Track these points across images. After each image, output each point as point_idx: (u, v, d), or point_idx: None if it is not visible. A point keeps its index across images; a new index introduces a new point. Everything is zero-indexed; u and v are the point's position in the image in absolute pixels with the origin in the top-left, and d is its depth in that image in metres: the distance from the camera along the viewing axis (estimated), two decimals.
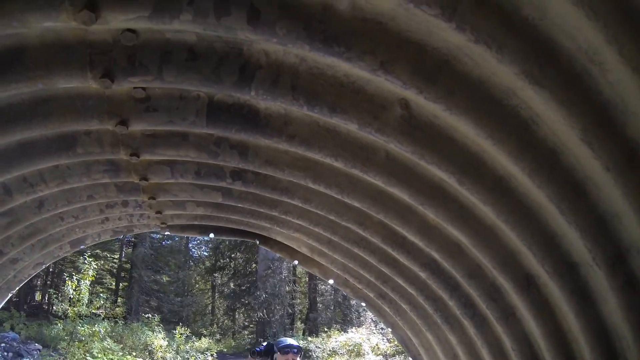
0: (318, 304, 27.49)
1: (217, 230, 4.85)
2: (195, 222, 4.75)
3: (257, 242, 4.92)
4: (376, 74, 2.05)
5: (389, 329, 14.77)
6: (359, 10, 1.89)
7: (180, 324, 18.08)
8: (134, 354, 12.89)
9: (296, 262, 5.04)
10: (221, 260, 33.38)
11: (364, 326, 21.56)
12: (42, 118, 2.68)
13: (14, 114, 2.63)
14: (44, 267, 5.05)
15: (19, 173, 3.23)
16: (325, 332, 22.16)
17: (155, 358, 13.35)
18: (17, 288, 5.02)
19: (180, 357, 13.79)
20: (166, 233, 5.00)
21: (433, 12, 1.72)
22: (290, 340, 4.53)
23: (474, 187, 2.60)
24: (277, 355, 4.34)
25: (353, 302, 24.60)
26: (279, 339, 4.66)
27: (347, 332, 20.76)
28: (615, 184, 2.00)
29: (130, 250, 28.95)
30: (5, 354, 10.49)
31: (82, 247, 5.09)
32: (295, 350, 4.32)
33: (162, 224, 4.70)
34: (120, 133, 2.88)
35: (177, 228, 4.90)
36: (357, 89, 2.31)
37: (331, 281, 5.02)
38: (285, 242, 4.73)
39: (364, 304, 5.04)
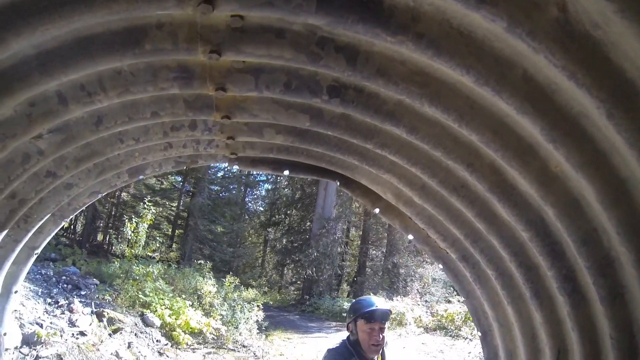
0: (367, 269, 27.83)
1: (294, 166, 4.41)
2: (270, 155, 4.32)
3: (337, 184, 4.52)
4: None
5: (437, 302, 14.47)
6: None
7: (230, 273, 18.46)
8: (184, 296, 13.25)
9: (377, 210, 4.63)
10: (276, 216, 34.31)
11: (409, 296, 21.43)
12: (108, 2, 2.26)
13: None
14: (99, 196, 4.81)
15: (76, 76, 2.86)
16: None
17: (203, 302, 13.70)
18: (71, 217, 4.86)
19: (227, 304, 14.06)
20: (234, 167, 4.59)
21: None
22: (377, 301, 3.43)
23: (623, 123, 2.11)
24: (363, 325, 3.34)
25: (402, 270, 24.55)
26: (362, 300, 3.60)
27: (392, 300, 20.53)
28: None
29: (188, 199, 30.28)
30: (65, 285, 11.10)
31: (141, 177, 4.79)
32: (386, 316, 3.36)
33: (231, 154, 4.30)
34: (201, 21, 2.46)
35: (248, 162, 4.49)
36: None
37: (410, 236, 4.61)
38: (369, 186, 4.32)
39: (440, 266, 4.61)
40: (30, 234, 4.19)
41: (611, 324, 2.81)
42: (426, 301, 19.47)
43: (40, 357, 7.32)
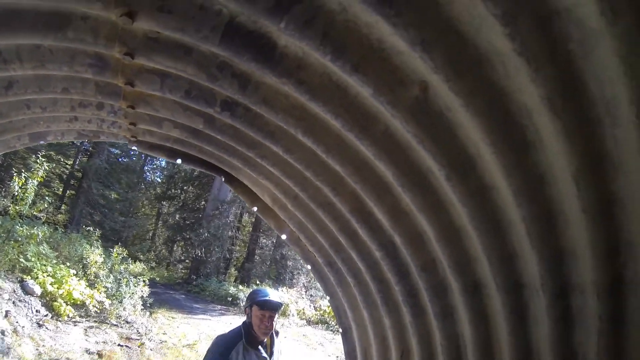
0: (256, 256, 27.93)
1: (186, 157, 4.71)
2: (167, 144, 4.58)
3: (223, 179, 4.85)
4: (414, 48, 2.03)
5: (320, 298, 15.05)
6: None
7: (119, 244, 17.91)
8: (68, 264, 12.63)
9: (255, 208, 5.00)
10: (173, 190, 33.43)
11: (295, 289, 21.99)
12: None
13: None
14: None
15: None
16: (257, 284, 22.47)
17: (88, 272, 13.18)
18: None
19: (113, 276, 13.70)
20: (133, 148, 4.78)
21: (495, 11, 1.73)
22: (270, 293, 3.85)
23: (458, 186, 2.64)
24: (256, 311, 3.70)
25: (290, 263, 25.09)
26: (257, 290, 3.98)
27: (278, 290, 21.04)
28: (586, 227, 2.13)
29: (85, 159, 28.34)
30: None
31: (41, 142, 4.81)
32: (276, 306, 3.75)
33: (132, 137, 4.52)
34: (122, 26, 2.70)
35: (146, 145, 4.71)
36: (385, 57, 2.29)
37: (284, 236, 5.01)
38: (250, 187, 4.68)
39: (308, 267, 5.07)
40: None
41: (442, 334, 3.40)
42: (311, 295, 20.04)
43: None
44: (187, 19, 2.52)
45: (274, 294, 3.86)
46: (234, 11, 2.46)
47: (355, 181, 3.29)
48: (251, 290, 4.25)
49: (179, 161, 4.74)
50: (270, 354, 3.82)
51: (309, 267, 5.10)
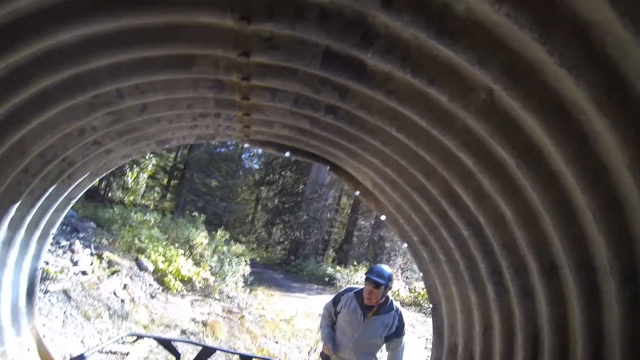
0: (354, 237, 28.24)
1: (294, 150, 5.32)
2: (276, 141, 5.26)
3: (328, 168, 5.43)
4: (473, 66, 2.48)
5: (415, 280, 15.33)
6: (472, 14, 2.31)
7: (222, 227, 19.25)
8: (176, 245, 14.04)
9: (357, 192, 5.56)
10: (271, 175, 34.58)
11: (391, 270, 22.09)
12: (172, 41, 3.16)
13: (147, 36, 3.07)
14: (129, 159, 5.65)
15: (135, 82, 3.73)
16: (354, 265, 22.94)
17: (194, 252, 14.48)
18: (104, 174, 5.67)
19: (217, 256, 14.93)
20: (245, 145, 5.54)
21: (532, 35, 2.10)
22: (383, 269, 4.90)
23: (528, 173, 2.98)
24: (365, 282, 4.80)
25: (387, 244, 25.21)
26: (373, 267, 5.02)
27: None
28: None
29: (186, 152, 30.43)
30: (64, 227, 11.67)
31: (166, 146, 5.64)
32: (375, 285, 4.69)
33: (244, 136, 5.22)
34: (240, 62, 3.34)
35: (257, 142, 5.42)
36: (454, 71, 2.75)
37: (383, 216, 5.55)
38: (352, 174, 5.24)
39: (405, 245, 5.58)
40: (71, 188, 5.05)
41: (521, 313, 3.64)
42: (407, 277, 20.05)
43: (49, 291, 8.21)
44: (292, 52, 3.13)
45: (379, 273, 4.81)
46: (327, 44, 3.03)
47: (442, 168, 3.74)
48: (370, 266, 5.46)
49: (287, 154, 5.36)
50: (372, 316, 4.84)
51: (405, 245, 5.53)
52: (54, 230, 5.36)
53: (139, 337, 4.30)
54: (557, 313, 3.22)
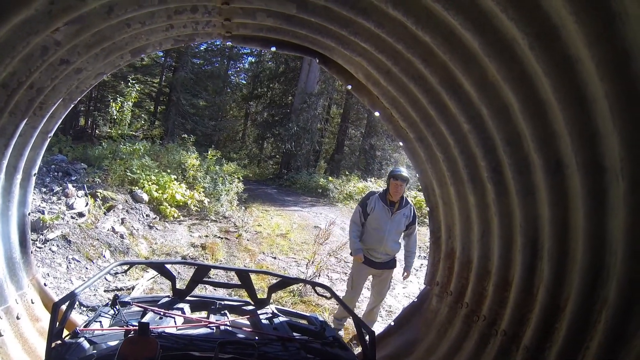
0: (345, 147, 28.58)
1: (280, 44, 4.99)
2: (260, 34, 4.87)
3: (317, 61, 5.12)
4: None
5: (410, 189, 15.39)
6: None
7: (212, 146, 19.20)
8: (168, 171, 14.09)
9: (349, 86, 5.32)
10: (258, 89, 34.27)
11: (382, 179, 22.38)
12: None
13: None
14: (104, 77, 5.19)
15: None
16: (346, 175, 23.34)
17: (187, 176, 14.60)
18: (79, 98, 5.21)
19: (210, 177, 14.97)
20: (227, 43, 5.09)
21: None
22: (402, 170, 6.12)
23: (541, 56, 2.72)
24: (390, 181, 6.04)
25: (378, 153, 25.45)
26: (395, 168, 6.31)
27: (366, 180, 21.66)
28: None
29: (170, 74, 30.26)
30: (56, 173, 11.63)
31: (142, 55, 5.20)
32: (403, 178, 5.97)
33: (226, 32, 4.84)
34: None
35: (240, 38, 5.03)
36: None
37: (377, 113, 5.35)
38: (344, 65, 4.95)
39: (400, 143, 5.35)
40: (44, 120, 4.63)
41: (522, 214, 3.57)
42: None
43: (49, 240, 8.20)
44: None
45: (403, 170, 6.11)
46: None
47: (444, 51, 3.48)
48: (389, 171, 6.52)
49: (273, 49, 5.04)
50: (396, 210, 6.04)
51: (400, 143, 5.40)
52: (35, 171, 5.00)
53: (130, 264, 4.08)
54: (559, 215, 3.13)
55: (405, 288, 9.09)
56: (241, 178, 15.97)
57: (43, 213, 8.78)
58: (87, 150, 15.22)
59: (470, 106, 3.74)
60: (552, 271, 3.19)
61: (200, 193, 13.72)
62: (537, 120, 3.09)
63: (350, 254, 6.28)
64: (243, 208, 15.19)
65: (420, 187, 11.29)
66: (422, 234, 12.80)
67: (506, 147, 3.53)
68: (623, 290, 2.48)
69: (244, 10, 4.34)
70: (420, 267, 10.02)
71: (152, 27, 4.46)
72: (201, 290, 6.74)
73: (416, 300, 5.59)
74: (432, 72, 3.80)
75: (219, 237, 11.81)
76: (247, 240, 11.95)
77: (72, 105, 5.16)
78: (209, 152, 16.56)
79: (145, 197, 12.19)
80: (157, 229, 11.24)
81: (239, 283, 3.75)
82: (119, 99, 14.64)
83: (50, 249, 8.04)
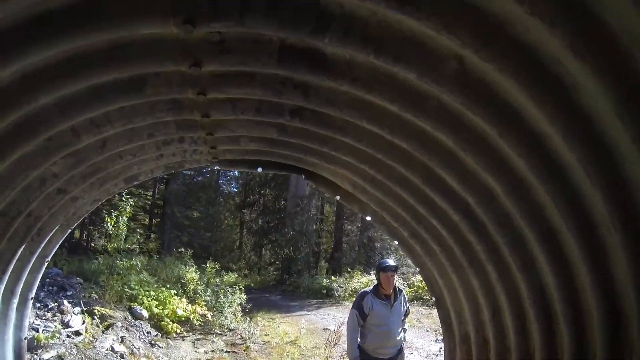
0: (343, 244, 28.19)
1: (266, 164, 5.14)
2: (246, 157, 5.05)
3: (303, 177, 5.24)
4: (440, 33, 2.30)
5: (412, 274, 15.22)
6: None
7: (210, 258, 18.99)
8: (168, 285, 13.64)
9: (338, 197, 5.40)
10: (251, 197, 34.45)
11: None
12: (119, 63, 2.90)
13: (92, 60, 2.83)
14: (99, 203, 5.37)
15: (88, 116, 3.48)
16: (348, 272, 22.88)
17: (187, 290, 14.12)
18: (76, 224, 5.38)
19: (211, 289, 14.64)
20: (213, 168, 5.33)
21: None
22: (390, 261, 5.86)
23: (512, 141, 2.85)
24: (380, 274, 5.70)
25: (377, 244, 25.21)
26: (382, 261, 6.04)
27: (370, 273, 21.39)
28: None
29: (163, 187, 30.26)
30: (51, 288, 11.22)
31: (135, 182, 5.39)
32: (393, 268, 5.68)
33: (213, 158, 5.01)
34: (192, 74, 3.11)
35: (227, 163, 5.22)
36: (419, 43, 2.56)
37: (368, 217, 5.41)
38: (330, 178, 5.06)
39: (396, 243, 5.42)
40: (42, 245, 4.71)
41: (527, 286, 3.55)
42: (403, 273, 20.05)
43: None
44: (245, 53, 2.92)
45: (390, 261, 5.79)
46: (281, 37, 2.82)
47: (422, 154, 3.58)
48: (377, 263, 6.30)
49: (259, 169, 5.20)
50: (393, 302, 5.68)
51: (396, 242, 5.45)
52: (32, 295, 4.98)
53: None
54: (564, 279, 3.14)
55: None
56: (243, 288, 15.63)
57: (37, 331, 8.23)
58: (82, 264, 14.66)
59: (456, 197, 3.79)
60: (572, 332, 3.15)
61: (202, 307, 13.19)
62: (522, 198, 3.17)
63: None
64: (248, 319, 14.54)
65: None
66: (434, 315, 12.49)
67: (498, 228, 3.57)
68: None
69: (228, 138, 4.47)
70: (440, 351, 9.68)
71: (143, 158, 4.61)
72: None
73: None
74: (414, 173, 3.87)
75: (226, 351, 11.26)
76: (256, 351, 11.44)
77: (70, 230, 5.23)
78: (208, 265, 16.11)
79: (145, 314, 11.65)
80: (159, 346, 10.67)
81: None
82: (113, 214, 14.54)
83: None
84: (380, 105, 3.24)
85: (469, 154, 3.23)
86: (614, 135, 2.28)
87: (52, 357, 7.92)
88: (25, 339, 4.91)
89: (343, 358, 9.64)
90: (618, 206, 2.42)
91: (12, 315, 4.67)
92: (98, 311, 10.46)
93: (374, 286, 5.88)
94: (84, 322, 9.62)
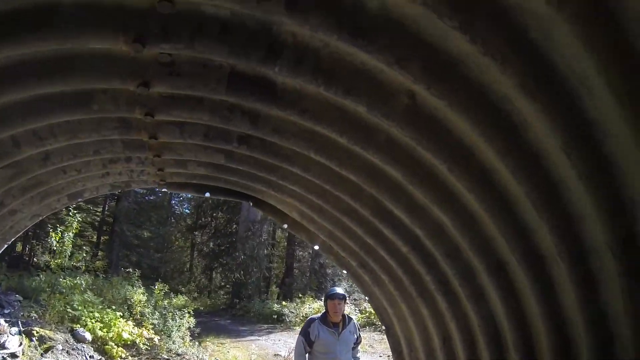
0: (295, 270, 27.95)
1: (214, 190, 5.02)
2: (194, 181, 4.92)
3: (251, 204, 5.16)
4: (391, 67, 2.27)
5: (364, 300, 15.18)
6: (386, 10, 2.11)
7: (159, 280, 18.39)
8: (114, 307, 12.90)
9: (285, 225, 5.32)
10: (202, 219, 33.78)
11: None
12: (64, 75, 2.81)
13: (36, 69, 2.73)
14: (40, 219, 5.13)
15: (31, 127, 3.33)
16: (300, 297, 22.62)
17: (134, 312, 13.53)
18: (13, 239, 5.11)
19: (158, 312, 14.07)
20: (163, 190, 5.15)
21: (452, 24, 1.92)
22: (337, 289, 5.85)
23: (462, 176, 2.86)
24: (328, 302, 5.54)
25: (329, 271, 25.09)
26: (330, 289, 6.05)
27: (320, 299, 21.17)
28: (586, 191, 2.20)
29: (113, 203, 29.01)
30: None
31: (79, 199, 5.20)
32: (340, 296, 5.53)
33: (160, 181, 4.86)
34: (141, 94, 3.01)
35: (175, 185, 5.08)
36: (371, 77, 2.53)
37: (317, 247, 5.32)
38: (277, 206, 4.96)
39: (344, 272, 5.34)
40: None
41: (477, 316, 3.55)
42: (355, 299, 19.96)
43: None
44: (195, 77, 2.84)
45: (339, 290, 5.76)
46: (232, 64, 2.75)
47: (370, 186, 3.54)
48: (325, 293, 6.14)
49: (207, 194, 5.08)
50: (341, 330, 5.50)
51: (344, 272, 5.38)
52: None
53: None
54: (513, 309, 3.16)
55: None
56: (192, 312, 15.11)
57: None
58: (23, 280, 13.83)
59: (405, 230, 3.76)
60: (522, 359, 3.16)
61: (149, 330, 12.57)
62: (471, 231, 3.18)
63: None
64: (197, 343, 14.07)
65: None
66: (386, 341, 12.43)
67: (447, 259, 3.55)
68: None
69: (175, 161, 4.36)
70: None
71: (88, 174, 4.44)
72: None
73: None
74: (363, 205, 3.82)
75: None
76: None
77: (6, 246, 4.97)
78: (156, 286, 15.61)
79: (89, 337, 10.96)
80: None
81: None
82: (59, 229, 13.83)
83: None
84: (329, 137, 3.19)
85: (418, 187, 3.21)
86: (561, 171, 2.33)
87: None
88: None
89: None
90: (564, 238, 2.47)
91: None
92: (37, 332, 9.82)
93: (322, 314, 5.71)
94: (21, 343, 9.04)
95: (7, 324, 9.36)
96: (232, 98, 2.99)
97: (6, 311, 10.47)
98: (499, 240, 3.00)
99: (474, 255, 3.27)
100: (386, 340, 13.46)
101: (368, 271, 4.81)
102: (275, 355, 13.44)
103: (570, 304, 2.64)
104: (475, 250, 3.24)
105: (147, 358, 11.88)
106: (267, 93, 2.88)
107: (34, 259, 22.69)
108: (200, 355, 12.81)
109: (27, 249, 25.81)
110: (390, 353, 11.47)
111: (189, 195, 36.76)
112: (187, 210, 38.87)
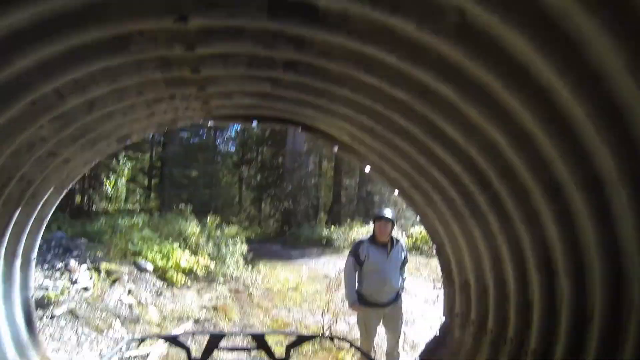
0: (342, 197, 28.23)
1: (261, 118, 4.98)
2: (240, 112, 4.89)
3: (300, 130, 5.10)
4: None
5: (410, 225, 15.33)
6: None
7: (211, 213, 19.00)
8: (170, 240, 13.58)
9: (336, 148, 5.28)
10: (248, 155, 34.18)
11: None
12: (99, 20, 2.76)
13: (70, 18, 2.70)
14: (93, 164, 5.27)
15: (72, 77, 3.32)
16: (348, 223, 22.98)
17: (189, 243, 14.14)
18: (70, 185, 5.26)
19: (212, 241, 14.70)
20: (209, 123, 5.15)
21: None
22: (385, 211, 5.85)
23: (517, 93, 2.75)
24: (376, 223, 5.77)
25: (376, 197, 25.29)
26: (378, 209, 6.03)
27: (369, 224, 21.45)
28: None
29: (160, 149, 30.10)
30: (56, 250, 11.06)
31: (128, 142, 5.25)
32: (387, 218, 5.67)
33: (206, 114, 4.86)
34: (179, 29, 2.96)
35: (221, 117, 5.06)
36: None
37: (368, 168, 5.30)
38: (327, 130, 4.93)
39: (396, 192, 5.34)
40: (39, 207, 4.65)
41: (529, 239, 3.52)
42: (401, 225, 20.24)
43: (56, 315, 7.86)
44: (233, 6, 2.76)
45: (386, 211, 5.81)
46: None
47: (422, 105, 3.47)
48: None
49: (254, 123, 5.06)
50: (390, 250, 5.67)
51: (396, 192, 5.38)
52: (34, 255, 4.99)
53: (141, 340, 3.90)
54: (567, 234, 3.08)
55: (426, 321, 8.89)
56: (244, 239, 15.68)
57: (47, 290, 8.35)
58: (86, 226, 14.71)
59: (458, 148, 3.69)
60: (572, 284, 3.13)
61: (205, 258, 13.20)
62: (527, 150, 3.08)
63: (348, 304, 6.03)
64: (250, 267, 14.71)
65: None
66: (433, 265, 12.64)
67: (501, 179, 3.50)
68: None
69: (220, 93, 4.33)
70: (438, 298, 9.86)
71: (134, 117, 4.48)
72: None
73: (438, 333, 5.48)
74: (414, 123, 3.76)
75: (230, 297, 11.45)
76: (258, 297, 11.63)
77: (65, 192, 5.18)
78: (208, 219, 16.19)
79: (150, 267, 11.67)
80: (165, 296, 10.78)
81: (255, 346, 3.63)
82: (112, 177, 14.49)
83: (58, 324, 7.70)
84: (378, 57, 3.09)
85: (471, 105, 3.12)
86: (625, 94, 2.21)
87: (64, 311, 8.06)
88: (32, 296, 4.97)
89: (343, 302, 9.77)
90: (626, 164, 2.38)
91: (16, 276, 4.70)
92: (104, 267, 10.51)
93: (371, 235, 5.88)
94: (91, 277, 9.72)
95: (77, 263, 10.05)
96: (274, 25, 2.92)
97: (74, 253, 11.14)
98: (556, 163, 2.89)
99: (529, 176, 3.19)
100: (431, 264, 13.73)
101: (420, 192, 4.80)
102: (325, 276, 13.86)
103: (627, 234, 2.54)
104: (531, 170, 3.15)
105: (204, 282, 12.52)
106: (310, 16, 2.79)
107: (93, 207, 23.82)
108: (254, 278, 13.40)
109: (85, 199, 27.14)
110: (435, 276, 11.73)
111: (233, 134, 37.32)
112: (232, 148, 39.32)
